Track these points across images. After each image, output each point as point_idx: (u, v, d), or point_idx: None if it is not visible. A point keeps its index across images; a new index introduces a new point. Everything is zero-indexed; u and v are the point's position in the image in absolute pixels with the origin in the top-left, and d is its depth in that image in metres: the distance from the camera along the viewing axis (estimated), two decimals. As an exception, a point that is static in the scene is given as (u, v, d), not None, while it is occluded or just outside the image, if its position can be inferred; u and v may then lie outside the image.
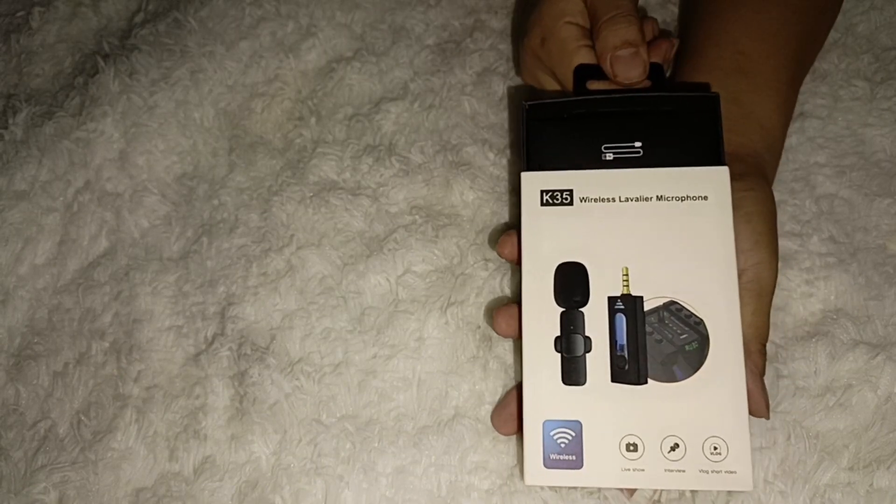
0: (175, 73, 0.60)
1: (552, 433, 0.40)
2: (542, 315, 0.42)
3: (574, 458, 0.40)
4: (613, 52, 0.46)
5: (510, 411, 0.43)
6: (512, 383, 0.47)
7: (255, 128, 0.60)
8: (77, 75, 0.63)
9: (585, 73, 0.48)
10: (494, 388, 0.47)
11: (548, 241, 0.43)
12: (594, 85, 0.48)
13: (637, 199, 0.43)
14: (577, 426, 0.40)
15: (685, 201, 0.43)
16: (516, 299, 0.45)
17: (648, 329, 0.41)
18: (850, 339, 0.47)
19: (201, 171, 0.58)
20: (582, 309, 0.42)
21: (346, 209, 0.54)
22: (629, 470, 0.39)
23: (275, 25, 0.64)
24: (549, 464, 0.40)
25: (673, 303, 0.41)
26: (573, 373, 0.41)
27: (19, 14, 0.68)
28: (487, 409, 0.47)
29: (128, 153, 0.58)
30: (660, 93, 0.47)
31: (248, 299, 0.51)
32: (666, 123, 0.45)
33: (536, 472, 0.40)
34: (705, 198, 0.43)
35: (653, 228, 0.43)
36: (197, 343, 0.50)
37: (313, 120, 0.59)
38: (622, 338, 0.41)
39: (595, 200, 0.43)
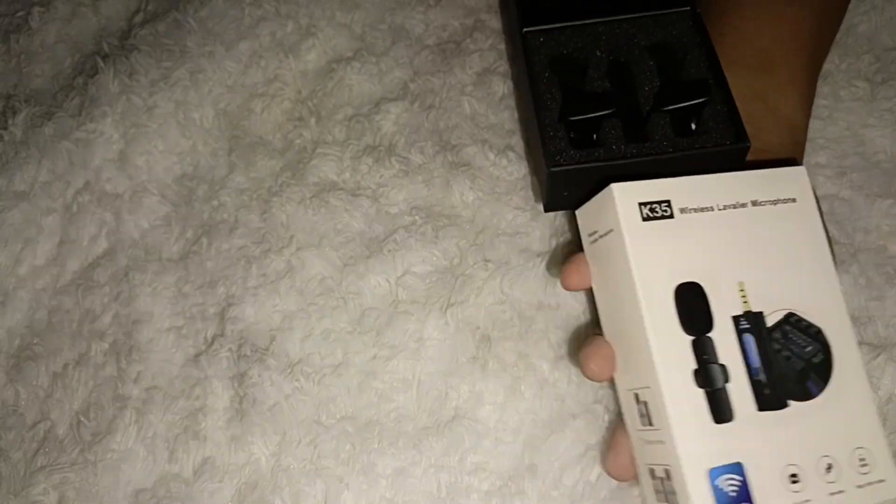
0: (175, 74, 0.60)
1: (718, 482, 0.36)
2: (673, 348, 0.37)
3: None
4: None
5: (624, 461, 0.40)
6: (511, 383, 0.47)
7: (255, 128, 0.60)
8: (76, 76, 0.63)
9: None
10: (494, 388, 0.47)
11: (659, 261, 0.39)
12: None
13: (735, 206, 0.40)
14: (739, 469, 0.36)
15: (777, 205, 0.41)
16: (596, 330, 0.43)
17: (776, 346, 0.38)
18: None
19: (201, 171, 0.58)
20: (709, 334, 0.38)
21: (345, 210, 0.54)
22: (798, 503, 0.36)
23: (274, 25, 0.64)
24: None
25: (791, 314, 0.39)
26: (721, 408, 0.37)
27: (19, 14, 0.68)
28: (487, 409, 0.46)
29: (127, 154, 0.58)
30: None
31: (248, 300, 0.51)
32: None
33: None
34: (794, 200, 0.41)
35: (754, 236, 0.40)
36: (197, 344, 0.50)
37: (313, 120, 0.59)
38: (755, 360, 0.38)
39: (694, 210, 0.40)
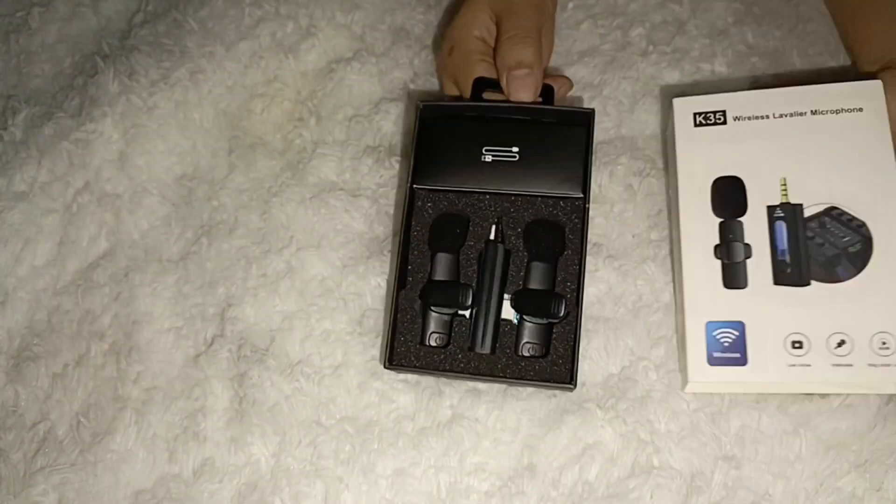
0: (175, 74, 0.60)
1: (715, 333, 0.41)
2: (700, 226, 0.43)
3: (738, 355, 0.40)
4: (509, 71, 0.49)
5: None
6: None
7: (255, 129, 0.60)
8: (76, 75, 0.63)
9: (484, 84, 0.50)
10: (491, 387, 0.47)
11: (702, 158, 0.44)
12: (490, 96, 0.50)
13: (791, 115, 0.44)
14: (740, 326, 0.41)
15: (840, 114, 0.44)
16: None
17: (809, 234, 0.42)
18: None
19: (201, 171, 0.58)
20: (741, 219, 0.43)
21: (345, 210, 0.54)
22: (795, 366, 0.40)
23: (274, 26, 0.64)
24: (713, 361, 0.41)
25: (833, 208, 0.42)
26: (734, 277, 0.42)
27: (19, 14, 0.68)
28: (486, 408, 0.46)
29: (127, 154, 0.58)
30: (542, 105, 0.49)
31: (248, 300, 0.51)
32: (543, 133, 0.48)
33: (700, 369, 0.41)
34: (861, 109, 0.44)
35: (809, 141, 0.44)
36: (196, 344, 0.50)
37: (313, 121, 0.59)
38: (783, 243, 0.42)
39: (749, 119, 0.45)
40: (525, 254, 0.48)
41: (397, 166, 0.56)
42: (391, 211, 0.54)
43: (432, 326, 0.47)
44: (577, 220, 0.47)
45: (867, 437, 0.44)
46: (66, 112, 0.60)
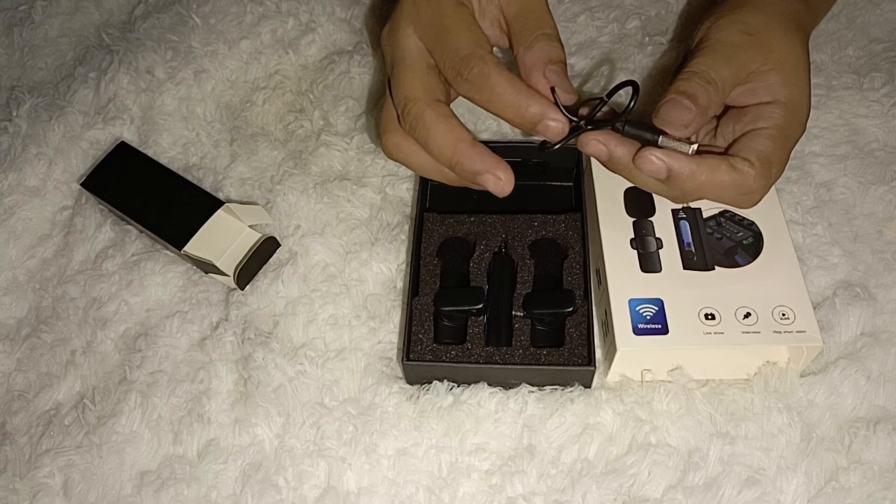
0: (180, 74, 0.62)
1: (637, 308, 0.45)
2: (617, 224, 0.48)
3: (660, 326, 0.45)
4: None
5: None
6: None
7: (257, 119, 0.60)
8: (83, 69, 0.63)
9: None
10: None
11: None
12: None
13: None
14: (658, 302, 0.45)
15: None
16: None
17: (709, 230, 0.48)
18: (846, 324, 0.48)
19: (206, 162, 0.58)
20: (651, 218, 0.48)
21: (348, 200, 0.55)
22: (710, 333, 0.44)
23: (275, 23, 0.65)
24: (638, 332, 0.44)
25: (726, 211, 0.49)
26: (649, 263, 0.47)
27: (22, 8, 0.69)
28: (488, 392, 0.47)
29: (136, 147, 0.58)
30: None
31: (252, 286, 0.52)
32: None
33: (627, 339, 0.44)
34: None
35: None
36: (202, 329, 0.50)
37: (315, 112, 0.60)
38: (688, 237, 0.48)
39: None
40: (531, 265, 0.50)
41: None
42: (395, 200, 0.55)
43: (447, 328, 0.48)
44: (577, 225, 0.51)
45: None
46: (77, 108, 0.60)
